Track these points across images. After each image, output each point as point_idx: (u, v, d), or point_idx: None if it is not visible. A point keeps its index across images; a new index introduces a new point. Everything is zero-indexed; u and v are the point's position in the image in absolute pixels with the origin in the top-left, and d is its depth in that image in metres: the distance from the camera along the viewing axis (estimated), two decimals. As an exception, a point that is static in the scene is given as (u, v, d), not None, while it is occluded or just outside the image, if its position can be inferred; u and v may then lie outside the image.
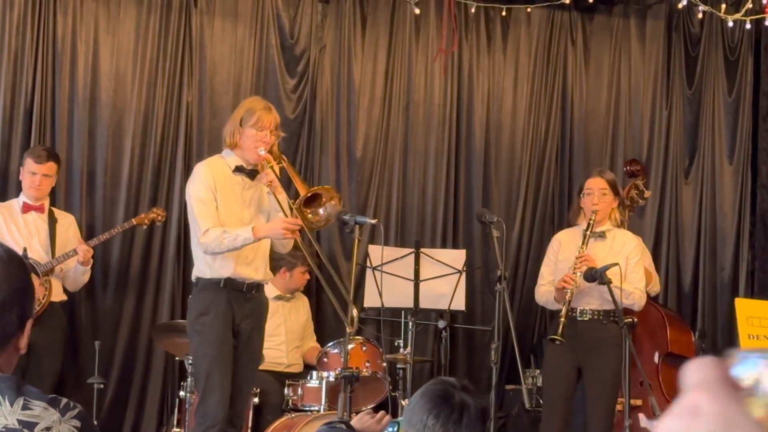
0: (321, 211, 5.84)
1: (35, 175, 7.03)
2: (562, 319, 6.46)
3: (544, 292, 6.83)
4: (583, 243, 6.63)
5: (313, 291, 8.25)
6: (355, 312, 5.89)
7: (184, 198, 7.75)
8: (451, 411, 2.73)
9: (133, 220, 7.33)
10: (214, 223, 5.80)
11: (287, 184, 6.12)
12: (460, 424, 2.72)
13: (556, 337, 6.42)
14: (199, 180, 5.90)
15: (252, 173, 5.96)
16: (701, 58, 8.94)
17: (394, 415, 5.99)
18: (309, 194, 5.80)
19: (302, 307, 7.99)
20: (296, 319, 7.86)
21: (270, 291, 7.11)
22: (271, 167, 5.86)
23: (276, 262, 7.04)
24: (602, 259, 6.56)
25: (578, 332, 6.60)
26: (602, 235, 6.74)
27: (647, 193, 7.93)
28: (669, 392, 7.48)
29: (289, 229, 5.74)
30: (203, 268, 5.93)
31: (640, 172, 7.94)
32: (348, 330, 5.89)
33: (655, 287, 7.75)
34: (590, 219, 6.68)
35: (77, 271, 7.08)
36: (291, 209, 5.84)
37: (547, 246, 7.14)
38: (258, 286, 6.03)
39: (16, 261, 2.29)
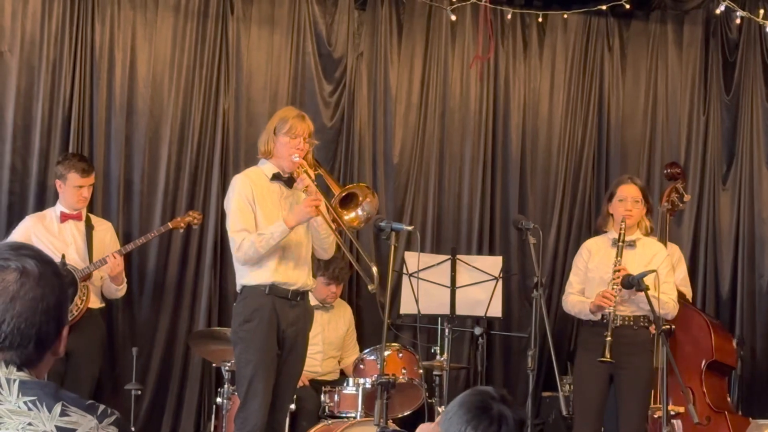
0: (360, 211, 5.84)
1: (82, 188, 7.00)
2: (608, 339, 6.39)
3: (575, 302, 6.76)
4: (617, 255, 6.57)
5: (353, 301, 8.25)
6: (375, 269, 5.85)
7: (221, 205, 7.81)
8: (489, 422, 2.72)
9: (169, 224, 7.29)
10: (248, 230, 5.81)
11: (325, 191, 6.12)
12: (498, 435, 2.72)
13: (605, 359, 6.36)
14: (235, 191, 5.92)
15: (289, 181, 5.97)
16: (739, 63, 8.88)
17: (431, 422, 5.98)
18: (344, 193, 5.80)
19: (342, 317, 7.94)
20: (334, 330, 7.82)
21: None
22: (306, 172, 5.87)
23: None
24: (633, 267, 6.52)
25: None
26: (632, 244, 6.70)
27: (687, 197, 7.85)
28: (713, 400, 7.40)
29: (315, 206, 5.73)
30: (246, 275, 5.94)
31: (680, 175, 7.85)
32: (370, 287, 5.83)
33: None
34: (621, 228, 6.62)
35: (110, 288, 7.10)
36: (329, 210, 5.85)
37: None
38: (303, 294, 6.03)
39: (52, 271, 2.31)
